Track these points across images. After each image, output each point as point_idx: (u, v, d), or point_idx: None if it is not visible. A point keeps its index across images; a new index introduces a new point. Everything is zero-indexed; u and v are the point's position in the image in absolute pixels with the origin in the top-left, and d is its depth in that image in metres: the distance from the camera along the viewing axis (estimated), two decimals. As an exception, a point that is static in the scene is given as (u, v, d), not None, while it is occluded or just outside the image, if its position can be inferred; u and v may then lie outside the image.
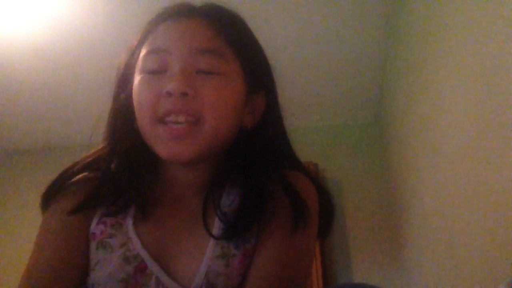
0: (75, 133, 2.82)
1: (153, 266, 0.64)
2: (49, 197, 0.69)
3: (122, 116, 0.70)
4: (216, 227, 0.66)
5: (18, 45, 2.11)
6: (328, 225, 0.73)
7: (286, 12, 2.03)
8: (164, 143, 0.64)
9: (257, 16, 2.04)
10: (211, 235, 0.64)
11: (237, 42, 0.68)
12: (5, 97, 2.49)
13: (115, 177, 0.69)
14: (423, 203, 1.80)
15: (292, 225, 0.64)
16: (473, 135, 1.18)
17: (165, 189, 0.71)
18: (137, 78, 0.67)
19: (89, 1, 1.91)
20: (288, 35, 2.16)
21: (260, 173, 0.69)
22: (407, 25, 1.82)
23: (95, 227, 0.67)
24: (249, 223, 0.65)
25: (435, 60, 1.49)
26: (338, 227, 2.64)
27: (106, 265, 0.64)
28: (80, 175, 0.71)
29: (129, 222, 0.67)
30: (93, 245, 0.66)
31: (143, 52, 0.68)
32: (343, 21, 2.09)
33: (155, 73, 0.65)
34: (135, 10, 1.96)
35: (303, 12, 2.03)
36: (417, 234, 1.98)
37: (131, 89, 0.68)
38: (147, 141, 0.67)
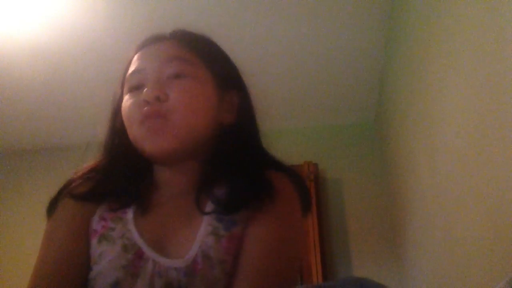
0: (75, 133, 2.82)
1: (149, 252, 0.71)
2: (55, 204, 0.78)
3: (119, 135, 0.81)
4: (208, 208, 0.74)
5: (18, 45, 2.11)
6: (305, 208, 0.81)
7: (286, 13, 2.03)
8: (147, 140, 0.74)
9: (258, 18, 2.05)
10: (203, 212, 0.73)
11: (201, 50, 0.80)
12: (5, 97, 2.49)
13: (115, 177, 0.79)
14: (423, 203, 1.80)
15: (263, 200, 0.72)
16: (473, 134, 1.18)
17: (160, 190, 0.80)
18: (124, 99, 0.79)
19: (89, 2, 1.92)
20: (288, 36, 2.17)
21: (245, 168, 0.77)
22: (407, 25, 1.82)
23: (96, 224, 0.75)
24: (239, 203, 0.73)
25: (435, 60, 1.49)
26: (338, 226, 2.65)
27: (108, 255, 0.71)
28: (82, 174, 0.81)
29: (130, 216, 0.75)
30: (94, 241, 0.73)
31: (126, 77, 0.80)
32: (343, 21, 2.09)
33: (136, 89, 0.77)
34: (134, 10, 1.97)
35: (304, 12, 2.03)
36: (417, 233, 1.98)
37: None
38: (137, 146, 0.76)
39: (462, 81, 1.25)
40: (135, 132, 0.76)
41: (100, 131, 0.84)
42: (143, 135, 0.74)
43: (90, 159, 0.83)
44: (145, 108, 0.74)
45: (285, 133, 2.76)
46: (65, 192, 0.79)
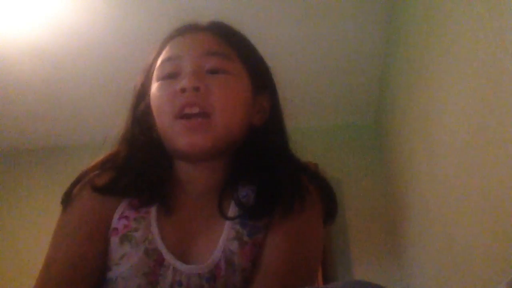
0: (75, 133, 2.82)
1: (170, 259, 0.68)
2: (70, 195, 0.74)
3: (140, 125, 0.76)
4: (232, 212, 0.72)
5: (18, 45, 2.10)
6: (331, 215, 0.79)
7: (286, 13, 2.03)
8: (182, 136, 0.70)
9: (258, 18, 2.05)
10: (226, 217, 0.71)
11: (240, 47, 0.77)
12: (5, 97, 2.49)
13: (136, 171, 0.75)
14: (423, 203, 1.80)
15: (290, 206, 0.71)
16: (473, 134, 1.18)
17: (183, 188, 0.76)
18: (154, 86, 0.74)
19: (89, 2, 1.92)
20: (288, 36, 2.16)
21: (273, 171, 0.74)
22: (407, 25, 1.82)
23: (117, 222, 0.71)
24: (265, 210, 0.70)
25: (435, 60, 1.49)
26: (338, 226, 2.64)
27: (131, 259, 0.68)
28: (100, 164, 0.77)
29: (153, 216, 0.72)
30: (115, 240, 0.70)
31: (158, 63, 0.75)
32: (343, 21, 2.09)
33: (170, 77, 0.72)
34: (135, 11, 1.97)
35: (303, 12, 2.03)
36: (417, 233, 1.98)
37: (148, 101, 0.76)
38: (167, 139, 0.72)
39: (462, 81, 1.25)
40: (167, 124, 0.71)
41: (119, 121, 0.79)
42: (178, 129, 0.70)
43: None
44: (181, 98, 0.69)
45: (285, 133, 2.75)
46: (84, 182, 0.74)
